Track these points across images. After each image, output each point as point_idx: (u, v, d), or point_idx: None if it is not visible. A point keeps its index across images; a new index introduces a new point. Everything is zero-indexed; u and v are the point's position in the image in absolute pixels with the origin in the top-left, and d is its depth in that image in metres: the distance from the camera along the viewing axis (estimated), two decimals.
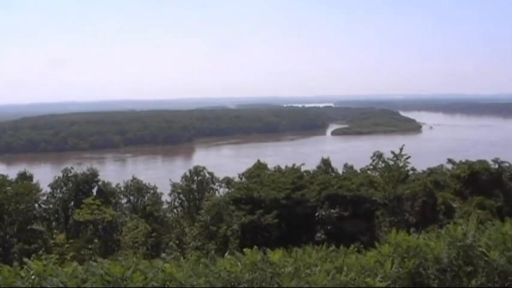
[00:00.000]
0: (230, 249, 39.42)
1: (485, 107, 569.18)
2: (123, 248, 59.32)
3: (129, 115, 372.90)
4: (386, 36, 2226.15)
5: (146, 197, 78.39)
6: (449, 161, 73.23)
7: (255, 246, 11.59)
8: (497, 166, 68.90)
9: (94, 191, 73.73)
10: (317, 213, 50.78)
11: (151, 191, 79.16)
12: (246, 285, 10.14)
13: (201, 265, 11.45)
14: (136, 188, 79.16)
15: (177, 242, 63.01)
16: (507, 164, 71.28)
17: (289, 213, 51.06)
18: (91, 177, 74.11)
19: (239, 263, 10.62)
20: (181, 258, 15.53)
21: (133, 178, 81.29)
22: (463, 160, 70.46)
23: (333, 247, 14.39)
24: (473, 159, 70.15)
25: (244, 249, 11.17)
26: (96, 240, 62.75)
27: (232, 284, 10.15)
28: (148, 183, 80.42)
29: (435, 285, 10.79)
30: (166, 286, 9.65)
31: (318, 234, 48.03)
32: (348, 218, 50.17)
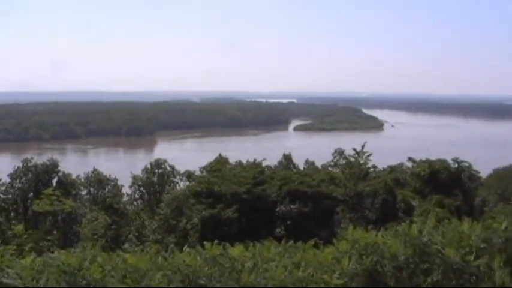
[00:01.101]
0: (190, 242, 39.46)
1: (447, 106, 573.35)
2: (83, 240, 58.97)
3: (92, 106, 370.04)
4: (351, 34, 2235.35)
5: (107, 189, 77.98)
6: (410, 159, 73.73)
7: (215, 241, 11.60)
8: (456, 165, 69.53)
9: (54, 181, 73.18)
10: (277, 209, 50.98)
11: (112, 183, 78.79)
12: (205, 280, 10.14)
13: (160, 258, 11.42)
14: (97, 180, 78.71)
15: (136, 234, 62.85)
16: (466, 164, 71.97)
17: (250, 208, 51.20)
18: (51, 168, 73.56)
19: (198, 257, 10.61)
20: (140, 251, 15.44)
21: (94, 170, 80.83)
22: (424, 159, 70.94)
23: (291, 242, 14.45)
24: (433, 158, 70.63)
25: (204, 243, 11.18)
26: (55, 232, 62.39)
27: (191, 278, 10.14)
28: (109, 175, 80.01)
29: (392, 283, 10.86)
30: (126, 275, 9.61)
31: (278, 230, 48.23)
32: (308, 214, 50.38)
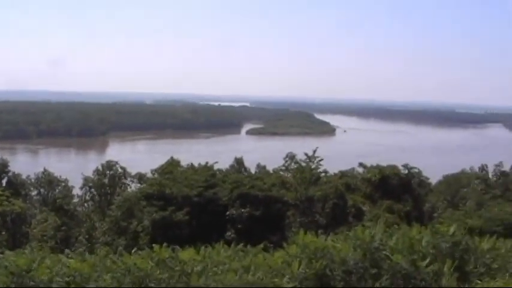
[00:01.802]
0: (140, 245, 39.30)
1: (399, 113, 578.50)
2: (32, 241, 58.31)
3: (43, 106, 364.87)
4: (304, 40, 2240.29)
5: (57, 190, 77.16)
6: (361, 164, 74.29)
7: (165, 243, 11.56)
8: (407, 171, 70.25)
9: (3, 182, 72.30)
10: (228, 212, 50.95)
11: (63, 184, 78.00)
12: (155, 283, 10.11)
13: (108, 261, 11.36)
14: (47, 181, 77.85)
15: (86, 236, 62.27)
16: (416, 170, 72.83)
17: (201, 211, 51.16)
18: (1, 168, 72.66)
19: (149, 260, 10.59)
20: (87, 253, 15.32)
21: (45, 170, 79.97)
22: (374, 164, 71.50)
23: (241, 246, 14.47)
24: (384, 164, 71.27)
25: (153, 246, 11.14)
26: (4, 233, 61.56)
27: (141, 281, 10.10)
28: (60, 176, 79.22)
29: (341, 286, 10.94)
30: (70, 281, 9.55)
31: (229, 233, 48.20)
32: (259, 218, 50.44)
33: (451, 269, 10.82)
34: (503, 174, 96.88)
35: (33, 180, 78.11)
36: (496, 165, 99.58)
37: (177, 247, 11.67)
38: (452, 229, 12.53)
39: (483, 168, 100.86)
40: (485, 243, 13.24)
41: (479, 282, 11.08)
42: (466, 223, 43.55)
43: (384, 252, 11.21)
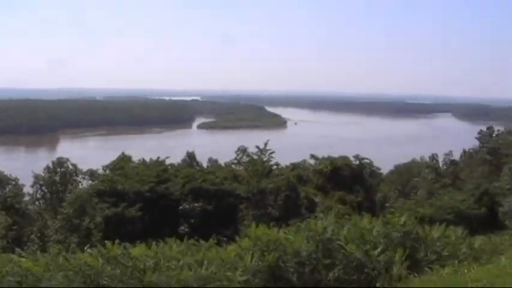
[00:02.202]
0: (93, 242, 39.03)
1: (350, 105, 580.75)
2: None
3: None
4: (254, 32, 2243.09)
5: (7, 189, 76.18)
6: (312, 156, 74.54)
7: (117, 240, 11.50)
8: (358, 162, 70.70)
9: None
10: (181, 207, 50.89)
11: (13, 183, 77.02)
12: (107, 280, 10.05)
13: (60, 259, 11.26)
14: None
15: (38, 235, 61.69)
16: (367, 161, 73.32)
17: (153, 206, 51.03)
18: None
19: (100, 257, 10.51)
20: (39, 252, 15.15)
21: None
22: (326, 156, 71.81)
23: (193, 240, 14.43)
24: (335, 155, 71.61)
25: (105, 243, 11.07)
26: None
27: (93, 278, 10.03)
28: (10, 175, 78.22)
29: (294, 278, 10.97)
30: (22, 281, 9.45)
31: (182, 228, 48.16)
32: (211, 212, 50.46)
33: (403, 258, 10.91)
34: (453, 163, 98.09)
35: None
36: (446, 155, 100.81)
37: (128, 244, 11.61)
38: (403, 219, 12.65)
39: (433, 157, 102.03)
40: (436, 232, 13.38)
41: (428, 270, 11.19)
42: (417, 212, 44.18)
43: (338, 242, 11.27)
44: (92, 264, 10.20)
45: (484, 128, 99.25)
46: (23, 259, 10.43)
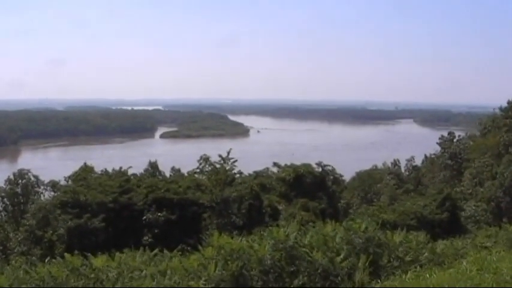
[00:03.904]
0: (56, 254, 38.78)
1: (312, 112, 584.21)
2: None
3: None
4: (213, 40, 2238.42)
5: None
6: (275, 164, 74.71)
7: (80, 251, 11.46)
8: (320, 169, 71.00)
9: None
10: (144, 217, 50.76)
11: None
12: None
13: (22, 271, 11.18)
14: None
15: (0, 247, 61.16)
16: (330, 168, 73.63)
17: (117, 217, 50.84)
18: None
19: (65, 269, 10.47)
20: (2, 264, 15.07)
21: None
22: (289, 163, 72.04)
23: (157, 250, 14.41)
24: (298, 162, 71.88)
25: (65, 254, 11.03)
26: None
27: None
28: None
29: (258, 286, 10.99)
30: None
31: (145, 238, 47.99)
32: (175, 221, 50.41)
33: (366, 264, 10.99)
34: (415, 168, 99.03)
35: None
36: (408, 160, 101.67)
37: (91, 255, 11.57)
38: (364, 225, 12.74)
39: (395, 163, 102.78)
40: (398, 237, 13.51)
41: (391, 276, 11.29)
42: (379, 218, 44.37)
43: (303, 249, 11.33)
44: (56, 276, 10.15)
45: (445, 133, 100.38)
46: None
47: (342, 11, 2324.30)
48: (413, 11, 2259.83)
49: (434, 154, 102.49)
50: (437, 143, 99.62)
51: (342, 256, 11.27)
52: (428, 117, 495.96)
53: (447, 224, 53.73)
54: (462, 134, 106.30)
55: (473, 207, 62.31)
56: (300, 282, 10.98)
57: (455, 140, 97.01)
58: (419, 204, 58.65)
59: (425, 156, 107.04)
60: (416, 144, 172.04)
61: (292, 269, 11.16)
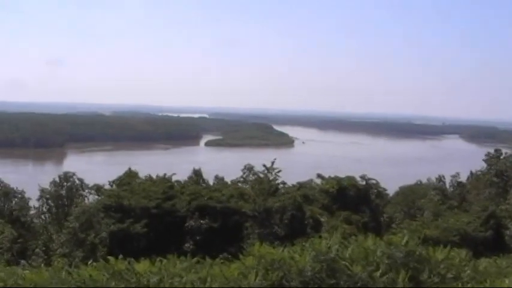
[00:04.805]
0: (97, 257, 39.04)
1: (356, 125, 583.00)
2: None
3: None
4: (261, 50, 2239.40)
5: (13, 202, 76.32)
6: (319, 176, 74.43)
7: (122, 256, 11.51)
8: (364, 183, 70.62)
9: None
10: (187, 224, 50.88)
11: (19, 196, 77.16)
12: None
13: (64, 273, 11.26)
14: (3, 192, 76.91)
15: (43, 248, 61.75)
16: (374, 181, 73.18)
17: (159, 223, 51.05)
18: None
19: (105, 273, 10.53)
20: (42, 265, 15.23)
21: (0, 182, 79.07)
22: (332, 175, 71.76)
23: (198, 258, 14.42)
24: (341, 175, 71.55)
25: (109, 258, 11.08)
26: None
27: None
28: (16, 188, 78.39)
29: None
30: None
31: (187, 245, 48.14)
32: (217, 229, 50.46)
33: (406, 279, 10.91)
34: (460, 184, 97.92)
35: None
36: (453, 176, 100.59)
37: (132, 259, 11.62)
38: (405, 239, 12.64)
39: (440, 179, 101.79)
40: (440, 253, 13.37)
41: None
42: (422, 233, 43.95)
43: (344, 262, 11.28)
44: (96, 279, 10.23)
45: (492, 150, 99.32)
46: (27, 272, 10.46)
47: (390, 26, 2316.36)
48: (461, 25, 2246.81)
49: (480, 171, 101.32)
50: (483, 160, 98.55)
51: (381, 270, 11.19)
52: (474, 133, 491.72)
53: (491, 242, 53.19)
54: (509, 151, 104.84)
55: None
56: None
57: (501, 157, 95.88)
58: (463, 221, 58.14)
59: (471, 173, 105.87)
60: (462, 161, 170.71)
61: (332, 282, 11.12)
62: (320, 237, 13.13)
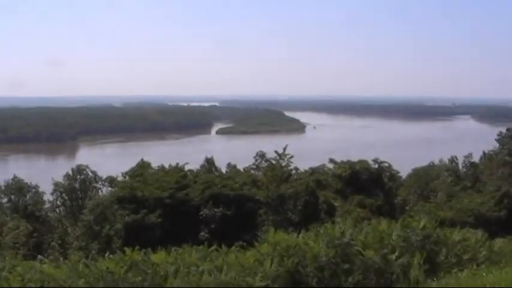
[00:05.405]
0: (113, 248, 39.20)
1: (368, 108, 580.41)
2: (4, 249, 57.84)
3: (11, 112, 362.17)
4: (271, 35, 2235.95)
5: (28, 196, 76.47)
6: (331, 160, 74.25)
7: (137, 246, 11.57)
8: (377, 166, 70.45)
9: None
10: (201, 213, 50.96)
11: (33, 190, 77.30)
12: (128, 287, 10.13)
13: (81, 265, 11.33)
14: (18, 187, 77.04)
15: (59, 242, 61.90)
16: (386, 164, 72.96)
17: (173, 213, 51.12)
18: None
19: (122, 264, 10.59)
20: (61, 258, 15.32)
21: (14, 177, 79.25)
22: (344, 160, 71.61)
23: (215, 246, 14.48)
24: (354, 159, 71.39)
25: (125, 249, 11.15)
26: None
27: (114, 285, 10.11)
28: (30, 182, 78.55)
29: (314, 283, 11.02)
30: (44, 287, 9.53)
31: (202, 233, 48.22)
32: (231, 217, 50.54)
33: (421, 261, 10.95)
34: (473, 165, 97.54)
35: (3, 188, 77.29)
36: (466, 157, 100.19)
37: (149, 250, 11.68)
38: (422, 223, 12.68)
39: (453, 160, 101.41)
40: (456, 235, 13.41)
41: (446, 274, 11.23)
42: (437, 215, 43.99)
43: (356, 247, 11.32)
44: (114, 271, 10.30)
45: (504, 130, 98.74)
46: (45, 265, 10.54)
47: (398, 8, 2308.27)
48: (470, 7, 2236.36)
49: (492, 151, 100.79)
50: (495, 140, 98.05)
51: (396, 253, 11.23)
52: (486, 113, 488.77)
53: (505, 222, 53.10)
54: None
55: None
56: (355, 279, 10.99)
57: None
58: (477, 201, 58.09)
59: (484, 153, 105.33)
60: (474, 141, 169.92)
61: (346, 267, 11.17)
62: (333, 222, 13.18)
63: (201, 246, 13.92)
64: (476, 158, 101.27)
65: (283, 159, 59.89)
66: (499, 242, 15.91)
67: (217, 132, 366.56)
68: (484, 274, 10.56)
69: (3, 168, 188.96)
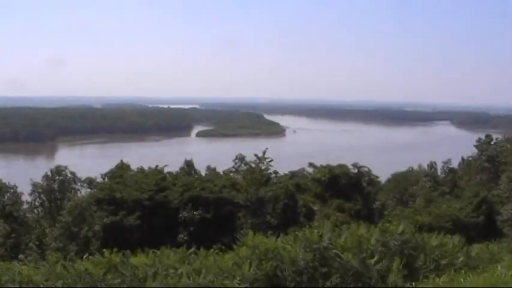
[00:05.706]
0: (91, 250, 39.07)
1: (348, 112, 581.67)
2: None
3: None
4: (250, 39, 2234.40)
5: (5, 197, 76.02)
6: (311, 164, 74.42)
7: (116, 248, 11.54)
8: (356, 170, 70.69)
9: None
10: (180, 215, 50.94)
11: (11, 191, 76.88)
12: None
13: (59, 267, 11.29)
14: None
15: (37, 243, 61.67)
16: (366, 169, 73.24)
17: (152, 215, 51.12)
18: None
19: (101, 266, 10.57)
20: (39, 259, 15.26)
21: None
22: (324, 164, 71.80)
23: (193, 249, 14.48)
24: (333, 163, 71.59)
25: (104, 251, 11.13)
26: None
27: (92, 287, 10.09)
28: (8, 182, 78.11)
29: (291, 287, 11.04)
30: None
31: (181, 236, 48.23)
32: (210, 220, 50.55)
33: (400, 266, 11.00)
34: (452, 171, 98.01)
35: None
36: (444, 163, 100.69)
37: (128, 252, 11.67)
38: (401, 227, 12.74)
39: (432, 165, 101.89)
40: (434, 240, 13.47)
41: (425, 280, 11.28)
42: (415, 220, 44.19)
43: (334, 251, 11.35)
44: (93, 273, 10.27)
45: (483, 136, 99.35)
46: (24, 267, 10.50)
47: (381, 13, 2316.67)
48: (451, 12, 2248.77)
49: (471, 157, 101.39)
50: (474, 146, 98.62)
51: (375, 258, 11.26)
52: (465, 119, 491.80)
53: (483, 228, 53.38)
54: (500, 136, 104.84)
55: (510, 211, 61.49)
56: (333, 283, 11.02)
57: (492, 143, 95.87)
58: (455, 207, 58.32)
59: (462, 159, 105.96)
60: (453, 147, 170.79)
61: (324, 270, 11.20)
62: (310, 226, 13.22)
63: (180, 249, 13.91)
64: (455, 164, 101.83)
65: (263, 163, 60.00)
66: (476, 248, 15.98)
67: (198, 135, 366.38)
68: (462, 280, 10.60)
69: None
